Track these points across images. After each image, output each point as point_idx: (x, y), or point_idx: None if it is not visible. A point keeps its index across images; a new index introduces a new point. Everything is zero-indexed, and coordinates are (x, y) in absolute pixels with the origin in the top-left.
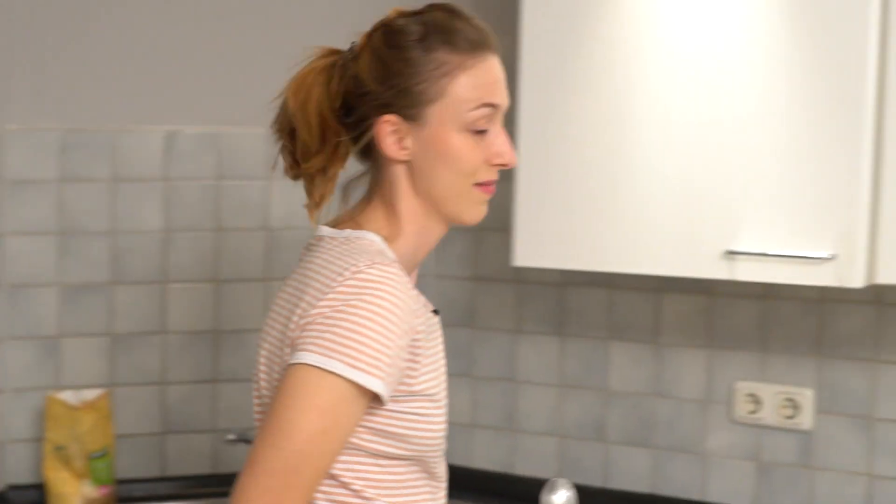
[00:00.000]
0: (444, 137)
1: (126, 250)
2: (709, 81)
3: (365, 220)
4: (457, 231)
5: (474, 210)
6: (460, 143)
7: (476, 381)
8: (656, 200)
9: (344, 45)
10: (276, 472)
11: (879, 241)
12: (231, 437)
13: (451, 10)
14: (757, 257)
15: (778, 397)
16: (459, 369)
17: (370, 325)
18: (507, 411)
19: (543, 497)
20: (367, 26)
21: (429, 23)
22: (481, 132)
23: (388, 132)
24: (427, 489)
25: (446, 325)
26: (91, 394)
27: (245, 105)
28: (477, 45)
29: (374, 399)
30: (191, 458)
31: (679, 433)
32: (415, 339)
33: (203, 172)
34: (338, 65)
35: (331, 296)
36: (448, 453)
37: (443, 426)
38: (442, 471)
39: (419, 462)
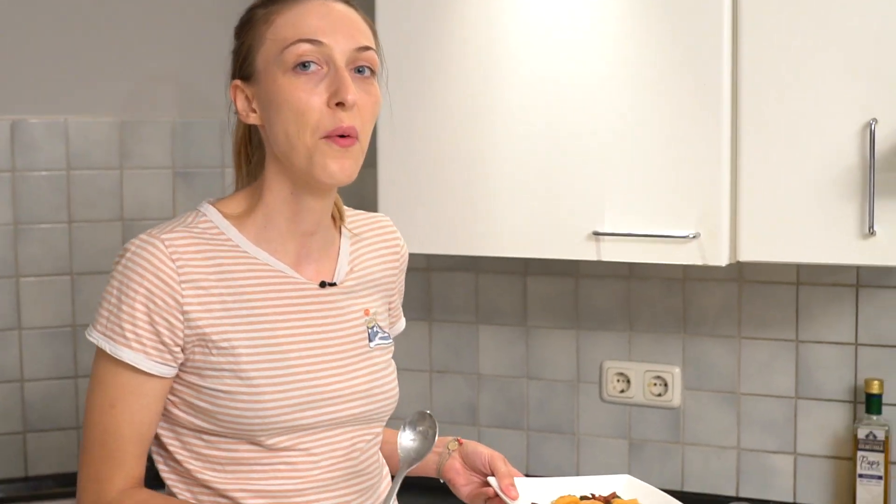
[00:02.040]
0: (271, 83)
1: None
2: (570, 65)
3: (235, 195)
4: None
5: (326, 164)
6: (286, 84)
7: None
8: (520, 183)
9: (191, 35)
10: (92, 444)
11: (741, 220)
12: None
13: None
14: (623, 238)
15: (646, 375)
16: None
17: (116, 294)
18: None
19: (401, 433)
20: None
21: None
22: (306, 67)
23: (238, 98)
24: (276, 466)
25: None
26: None
27: (93, 94)
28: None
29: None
30: (53, 456)
31: (551, 414)
32: (188, 312)
33: (52, 163)
34: None
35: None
36: None
37: (259, 408)
38: (292, 446)
39: (248, 439)
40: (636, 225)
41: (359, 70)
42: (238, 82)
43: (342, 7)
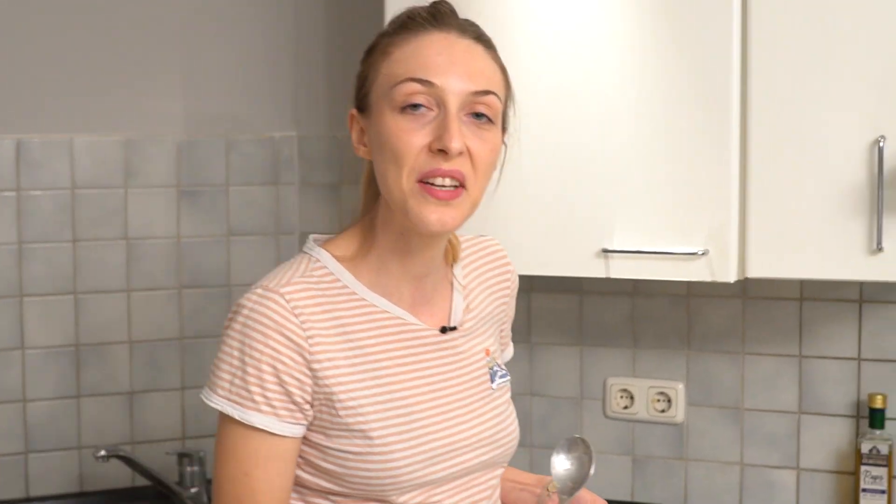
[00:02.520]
0: (380, 120)
1: None
2: (579, 82)
3: (344, 235)
4: None
5: (422, 214)
6: (392, 123)
7: None
8: (529, 201)
9: (196, 53)
10: None
11: (749, 236)
12: (102, 453)
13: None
14: (632, 255)
15: (650, 392)
16: None
17: (237, 356)
18: None
19: (554, 457)
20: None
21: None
22: (413, 108)
23: (353, 129)
24: None
25: None
26: None
27: (97, 112)
28: (416, 19)
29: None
30: (56, 477)
31: (555, 431)
32: (316, 370)
33: (56, 182)
34: None
35: (226, 322)
36: None
37: (389, 467)
38: (422, 501)
39: (378, 499)
40: (645, 242)
41: (476, 115)
42: (354, 112)
43: (466, 43)
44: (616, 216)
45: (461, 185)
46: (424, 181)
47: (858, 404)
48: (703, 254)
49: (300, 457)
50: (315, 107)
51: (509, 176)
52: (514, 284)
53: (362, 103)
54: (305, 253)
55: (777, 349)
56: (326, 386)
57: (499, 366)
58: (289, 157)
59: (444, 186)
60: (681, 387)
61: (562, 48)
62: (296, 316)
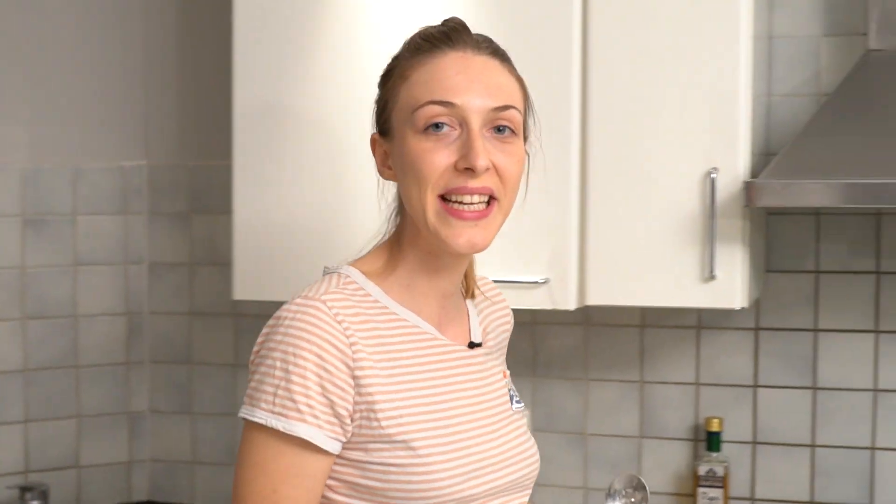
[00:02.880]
0: (403, 143)
1: None
2: None
3: (369, 254)
4: (167, 265)
5: (452, 237)
6: (415, 145)
7: (196, 417)
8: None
9: (42, 79)
10: None
11: (588, 265)
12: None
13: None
14: None
15: None
16: (179, 406)
17: (280, 366)
18: (229, 447)
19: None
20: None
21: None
22: (437, 129)
23: (376, 152)
24: None
25: (163, 362)
26: None
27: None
28: (433, 40)
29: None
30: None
31: None
32: (359, 377)
33: None
34: None
35: (258, 339)
36: (169, 491)
37: (431, 479)
38: None
39: None
40: (487, 270)
41: (498, 129)
42: (377, 137)
43: (483, 60)
44: None
45: (492, 198)
46: (450, 200)
47: (697, 428)
48: (543, 282)
49: (334, 478)
50: (166, 135)
51: (356, 207)
52: (512, 324)
53: (384, 127)
54: (331, 272)
55: (619, 375)
56: (369, 395)
57: (514, 391)
58: (138, 186)
59: (472, 205)
60: (527, 413)
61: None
62: (338, 323)
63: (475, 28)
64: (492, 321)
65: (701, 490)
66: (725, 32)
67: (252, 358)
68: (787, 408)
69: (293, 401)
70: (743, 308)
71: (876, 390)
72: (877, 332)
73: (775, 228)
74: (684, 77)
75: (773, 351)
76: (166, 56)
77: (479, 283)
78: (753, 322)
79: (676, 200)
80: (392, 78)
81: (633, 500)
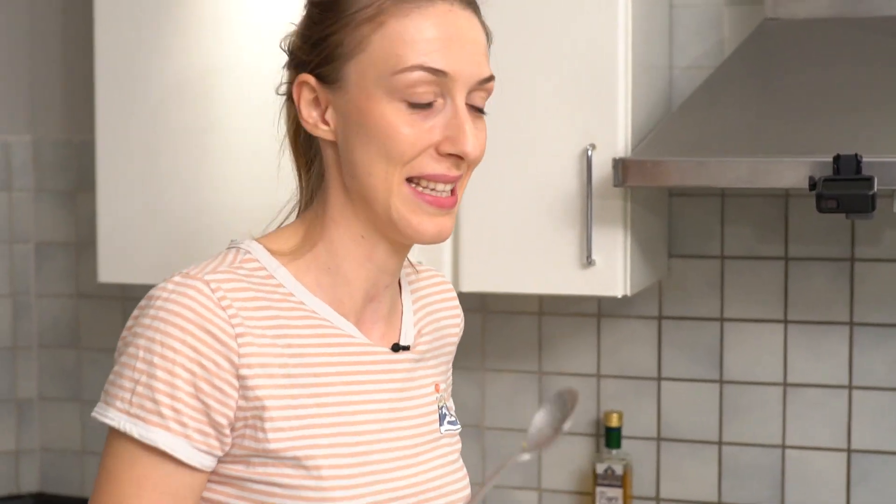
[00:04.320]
0: (367, 103)
1: None
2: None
3: (281, 229)
4: (54, 245)
5: (418, 223)
6: (390, 114)
7: (86, 404)
8: (252, 215)
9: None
10: None
11: (461, 250)
12: None
13: None
14: None
15: None
16: (67, 393)
17: (143, 356)
18: None
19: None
20: None
21: None
22: (423, 106)
23: (306, 99)
24: None
25: (51, 347)
26: None
27: None
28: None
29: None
30: None
31: None
32: (245, 377)
33: None
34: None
35: (127, 324)
36: (59, 482)
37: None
38: None
39: None
40: None
41: (477, 108)
42: (309, 79)
43: (468, 15)
44: None
45: (454, 189)
46: (417, 184)
47: (598, 422)
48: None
49: (206, 498)
50: (51, 109)
51: (229, 188)
52: (461, 331)
53: (327, 73)
54: (233, 247)
55: (517, 365)
56: (256, 399)
57: (448, 409)
58: (23, 162)
59: (443, 192)
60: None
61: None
62: (223, 309)
63: None
64: (431, 322)
65: (599, 490)
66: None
67: (118, 345)
68: (693, 402)
69: (154, 401)
70: (642, 295)
71: (786, 384)
72: (785, 321)
73: (678, 210)
74: (561, 47)
75: (677, 341)
76: (52, 28)
77: (425, 276)
78: (656, 310)
79: (552, 180)
80: (353, 16)
81: (555, 410)
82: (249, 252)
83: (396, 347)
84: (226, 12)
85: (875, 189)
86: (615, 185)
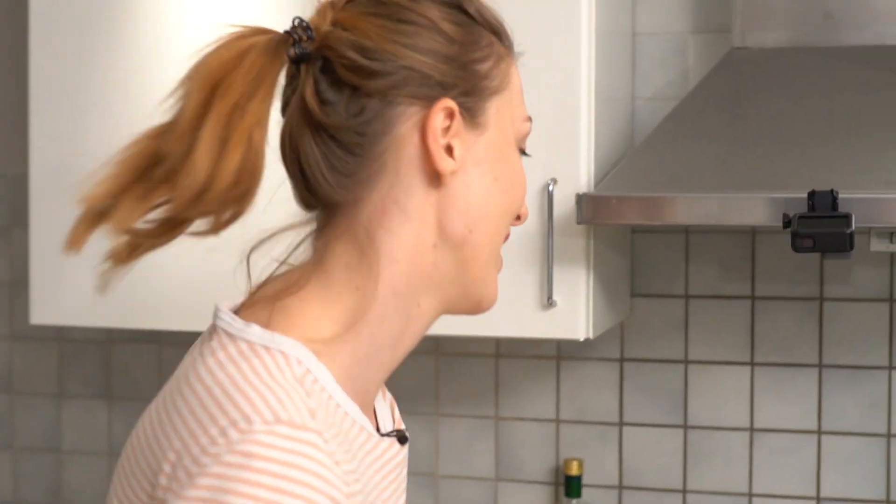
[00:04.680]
0: (506, 148)
1: None
2: None
3: (291, 304)
4: None
5: (494, 284)
6: (521, 170)
7: (18, 452)
8: (192, 255)
9: None
10: None
11: None
12: None
13: None
14: None
15: None
16: None
17: None
18: (52, 485)
19: None
20: None
21: None
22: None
23: (442, 127)
24: None
25: None
26: None
27: None
28: (509, 39)
29: None
30: None
31: None
32: None
33: None
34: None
35: (201, 480)
36: None
37: None
38: None
39: None
40: None
41: None
42: (453, 106)
43: None
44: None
45: None
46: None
47: (557, 470)
48: None
49: None
50: None
51: None
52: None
53: (472, 103)
54: (280, 351)
55: (472, 410)
56: None
57: None
58: None
59: None
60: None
61: None
62: (337, 464)
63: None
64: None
65: None
66: (566, 29)
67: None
68: (656, 448)
69: None
70: (603, 336)
71: (753, 429)
72: (752, 363)
73: (641, 247)
74: (521, 76)
75: (639, 384)
76: None
77: None
78: (618, 352)
79: None
80: (503, 57)
81: None
82: (301, 362)
83: (403, 439)
84: (166, 45)
85: (853, 227)
86: (578, 223)
